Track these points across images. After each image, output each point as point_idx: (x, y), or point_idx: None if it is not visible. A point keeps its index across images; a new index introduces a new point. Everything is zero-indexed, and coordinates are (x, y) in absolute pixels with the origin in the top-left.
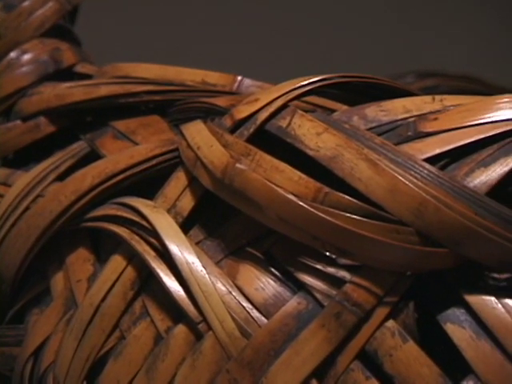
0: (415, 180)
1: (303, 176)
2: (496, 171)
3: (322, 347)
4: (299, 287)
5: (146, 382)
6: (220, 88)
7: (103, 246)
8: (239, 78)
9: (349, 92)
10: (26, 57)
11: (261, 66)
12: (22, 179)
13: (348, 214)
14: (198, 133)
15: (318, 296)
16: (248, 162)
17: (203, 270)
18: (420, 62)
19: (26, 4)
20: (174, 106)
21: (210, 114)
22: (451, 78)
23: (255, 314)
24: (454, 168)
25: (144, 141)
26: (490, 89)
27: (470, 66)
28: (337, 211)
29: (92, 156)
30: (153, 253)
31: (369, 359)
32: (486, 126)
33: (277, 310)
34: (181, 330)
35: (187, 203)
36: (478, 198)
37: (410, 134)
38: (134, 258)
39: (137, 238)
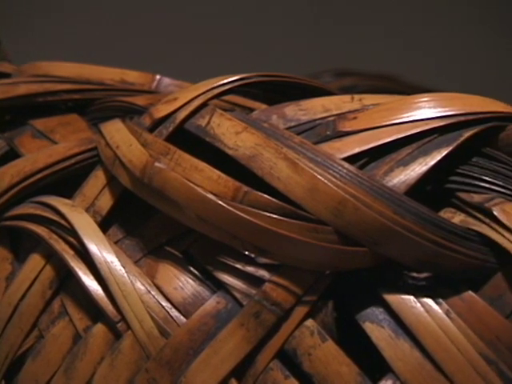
0: (334, 179)
1: (222, 175)
2: (415, 170)
3: (241, 346)
4: (218, 286)
5: (65, 381)
6: (139, 87)
7: (22, 244)
8: (158, 76)
9: (268, 91)
10: None
11: (180, 65)
12: None
13: (267, 213)
14: (116, 132)
15: (237, 295)
16: (167, 161)
17: (122, 269)
18: (337, 60)
19: None
20: (93, 105)
21: (128, 113)
22: (369, 77)
23: (174, 313)
24: (373, 167)
25: (63, 140)
26: (407, 88)
27: (388, 64)
28: (256, 210)
29: (11, 155)
30: (71, 252)
31: (288, 358)
32: (405, 125)
33: (196, 310)
34: (99, 329)
35: (106, 202)
36: (397, 197)
37: (329, 133)
38: (53, 257)
39: (55, 236)
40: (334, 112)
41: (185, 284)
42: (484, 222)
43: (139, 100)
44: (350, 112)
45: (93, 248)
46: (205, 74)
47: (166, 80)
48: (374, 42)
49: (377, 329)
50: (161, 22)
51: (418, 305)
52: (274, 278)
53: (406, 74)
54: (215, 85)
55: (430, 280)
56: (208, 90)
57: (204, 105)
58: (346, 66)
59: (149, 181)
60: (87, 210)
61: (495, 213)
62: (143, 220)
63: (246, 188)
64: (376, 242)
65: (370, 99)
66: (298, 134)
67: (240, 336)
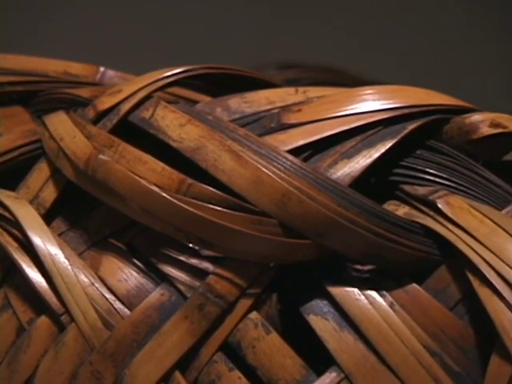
0: (278, 171)
1: (166, 167)
2: (359, 163)
3: (185, 339)
4: (162, 279)
5: (8, 374)
6: (83, 79)
7: None
8: (102, 68)
9: (212, 83)
10: None
11: (125, 57)
12: None
13: (211, 206)
14: (60, 124)
15: (181, 287)
16: (111, 153)
17: (66, 261)
18: (281, 53)
19: None
20: (37, 97)
21: (72, 105)
22: (313, 69)
23: (118, 305)
24: (317, 159)
25: (6, 132)
26: (351, 80)
27: (332, 57)
28: (200, 202)
29: None
30: (15, 244)
31: (232, 351)
32: (349, 117)
33: (140, 302)
34: (43, 321)
35: (50, 194)
36: (341, 190)
37: (273, 125)
38: None
39: None
40: (279, 104)
41: (129, 276)
42: (428, 215)
43: (83, 92)
44: (294, 104)
45: (36, 240)
46: (148, 67)
47: (110, 72)
48: (317, 35)
49: (321, 321)
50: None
51: (362, 297)
52: (218, 271)
53: (350, 67)
54: (159, 77)
55: (374, 272)
56: (152, 82)
57: (148, 97)
58: (290, 58)
59: (93, 173)
60: (31, 202)
61: (439, 205)
62: (87, 212)
63: (190, 180)
64: (320, 235)
65: (314, 91)
66: (243, 126)
67: (184, 328)
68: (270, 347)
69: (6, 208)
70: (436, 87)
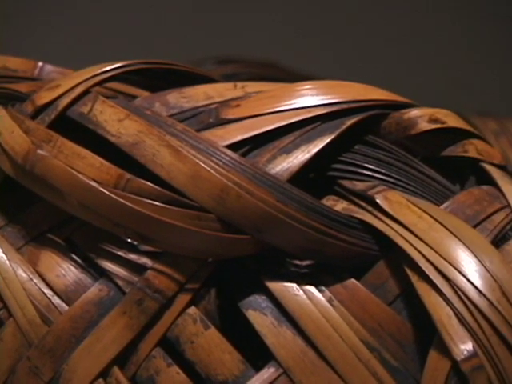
0: (217, 167)
1: (105, 162)
2: (298, 158)
3: (124, 334)
4: (101, 274)
5: None
6: (21, 74)
7: None
8: (40, 63)
9: (150, 78)
10: None
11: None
12: None
13: (150, 201)
14: None
15: (120, 283)
16: (49, 148)
17: (4, 256)
18: (219, 48)
19: None
20: None
21: (11, 100)
22: (251, 64)
23: (56, 300)
24: (256, 155)
25: None
26: (289, 75)
27: (270, 51)
28: (138, 198)
29: None
30: None
31: (171, 346)
32: (288, 112)
33: (78, 297)
34: None
35: None
36: (280, 185)
37: (211, 120)
38: None
39: None
40: (217, 99)
41: (67, 271)
42: (367, 210)
43: (21, 87)
44: (232, 99)
45: None
46: (87, 63)
47: (49, 67)
48: (255, 29)
49: (259, 316)
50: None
51: (301, 292)
52: (157, 266)
53: (288, 62)
54: (98, 72)
55: (313, 268)
56: (90, 77)
57: (86, 92)
58: (229, 53)
59: (31, 168)
60: None
61: (378, 200)
62: (25, 207)
63: (128, 175)
64: (259, 230)
65: (252, 87)
66: (181, 121)
67: (122, 323)
68: (209, 342)
69: None
70: (372, 82)
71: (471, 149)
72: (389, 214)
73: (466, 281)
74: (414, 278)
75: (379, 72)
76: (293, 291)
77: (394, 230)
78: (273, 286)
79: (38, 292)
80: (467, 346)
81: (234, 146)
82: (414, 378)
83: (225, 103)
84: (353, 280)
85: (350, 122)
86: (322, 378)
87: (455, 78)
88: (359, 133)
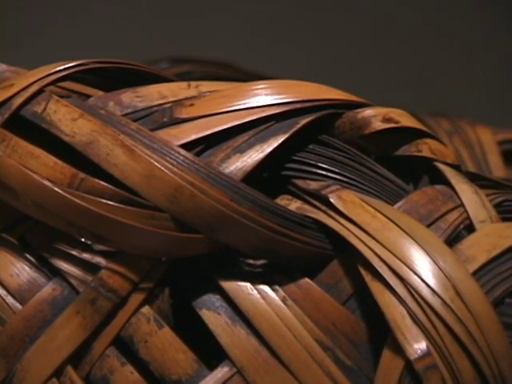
0: (171, 166)
1: (59, 162)
2: (252, 157)
3: (77, 333)
4: (55, 273)
5: None
6: None
7: None
8: None
9: (104, 78)
10: None
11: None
12: None
13: (104, 200)
14: None
15: (74, 282)
16: (3, 147)
17: None
18: (173, 47)
19: None
20: None
21: None
22: (205, 63)
23: (10, 300)
24: (209, 154)
25: None
26: (243, 75)
27: (223, 51)
28: (92, 197)
29: None
30: None
31: (125, 345)
32: (242, 112)
33: (32, 296)
34: None
35: None
36: (234, 184)
37: (165, 120)
38: None
39: None
40: (171, 99)
41: (21, 271)
42: (320, 209)
43: None
44: (186, 99)
45: None
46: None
47: (2, 66)
48: (209, 29)
49: (213, 316)
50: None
51: (255, 292)
52: (111, 265)
53: (242, 61)
54: (52, 71)
55: (267, 267)
56: (44, 77)
57: (40, 91)
58: (182, 52)
59: None
60: None
61: (331, 200)
62: None
63: (82, 175)
64: (212, 229)
65: (206, 86)
66: (135, 120)
67: (76, 323)
68: (163, 342)
69: None
70: (326, 81)
71: (425, 148)
72: (342, 213)
73: (419, 280)
74: (368, 278)
75: (333, 71)
76: (247, 290)
77: (348, 229)
78: (227, 285)
79: None
80: (421, 346)
81: (188, 146)
82: (367, 378)
83: (179, 102)
84: (307, 279)
85: (304, 121)
86: (276, 378)
87: (408, 78)
88: (313, 132)
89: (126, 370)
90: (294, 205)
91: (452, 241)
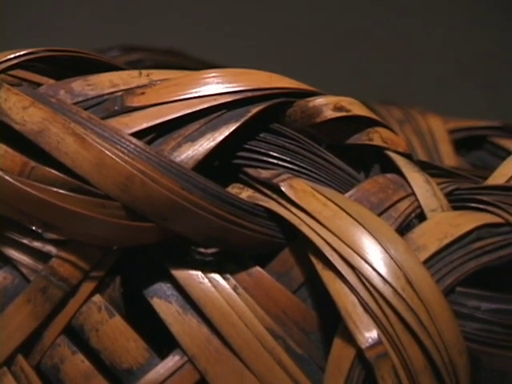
0: (122, 154)
1: (9, 150)
2: (203, 146)
3: (28, 322)
4: (5, 262)
5: None
6: None
7: None
8: None
9: (55, 66)
10: None
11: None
12: None
13: (54, 189)
14: None
15: (24, 271)
16: None
17: None
18: (123, 36)
19: None
20: None
21: None
22: (155, 52)
23: None
24: (161, 142)
25: None
26: (194, 63)
27: (174, 39)
28: (43, 185)
29: None
30: None
31: (76, 334)
32: (193, 100)
33: None
34: None
35: None
36: (185, 173)
37: (116, 108)
38: None
39: None
40: (122, 87)
41: None
42: (272, 198)
43: None
44: (137, 87)
45: None
46: None
47: None
48: (159, 17)
49: (164, 304)
50: None
51: (206, 280)
52: (62, 254)
53: (193, 50)
54: (2, 59)
55: (218, 255)
56: None
57: None
58: (134, 41)
59: None
60: None
61: (283, 188)
62: None
63: (33, 163)
64: (163, 218)
65: (157, 74)
66: (86, 109)
67: (27, 312)
68: (114, 330)
69: None
70: (278, 70)
71: (376, 137)
72: (294, 201)
73: (370, 269)
74: (319, 266)
75: (284, 60)
76: (198, 279)
77: (299, 217)
78: (178, 273)
79: None
80: (372, 334)
81: (139, 134)
82: (318, 366)
83: (130, 91)
84: (258, 268)
85: (255, 109)
86: (227, 366)
87: (360, 66)
88: (264, 121)
89: (76, 359)
90: (245, 193)
91: (403, 229)
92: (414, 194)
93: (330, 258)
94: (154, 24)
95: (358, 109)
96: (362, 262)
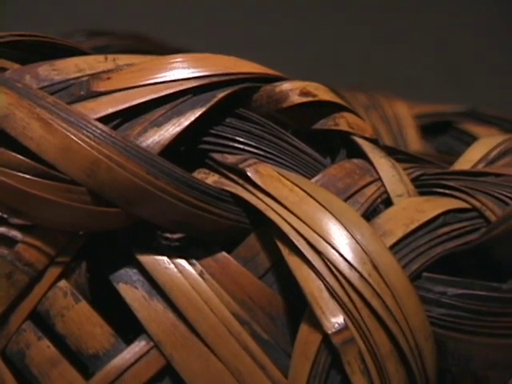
0: (88, 139)
1: None
2: (169, 131)
3: None
4: None
5: None
6: None
7: None
8: None
9: (21, 51)
10: None
11: None
12: None
13: (20, 174)
14: None
15: None
16: None
17: None
18: (90, 20)
19: None
20: None
21: None
22: (121, 36)
23: None
24: (127, 128)
25: None
26: (160, 48)
27: (140, 24)
28: (8, 170)
29: None
30: None
31: (41, 319)
32: (159, 85)
33: None
34: None
35: None
36: (151, 158)
37: (82, 93)
38: None
39: None
40: (88, 72)
41: None
42: (238, 183)
43: None
44: (103, 72)
45: None
46: None
47: None
48: (126, 3)
49: (130, 290)
50: None
51: (172, 266)
52: (27, 239)
53: (158, 35)
54: None
55: (184, 241)
56: None
57: None
58: (99, 25)
59: None
60: None
61: (249, 174)
62: None
63: None
64: (129, 203)
65: (123, 59)
66: (52, 94)
67: None
68: (79, 316)
69: None
70: (243, 55)
71: (342, 122)
72: (260, 187)
73: (337, 254)
74: (285, 252)
75: (249, 45)
76: (164, 264)
77: (265, 203)
78: (144, 259)
79: None
80: (338, 319)
81: (105, 119)
82: (284, 351)
83: (96, 76)
84: (224, 253)
85: (221, 94)
86: (193, 351)
87: (325, 52)
88: (231, 106)
89: (42, 345)
90: (212, 178)
91: (369, 215)
92: (380, 179)
93: (297, 244)
94: (119, 8)
95: (324, 94)
96: (329, 248)
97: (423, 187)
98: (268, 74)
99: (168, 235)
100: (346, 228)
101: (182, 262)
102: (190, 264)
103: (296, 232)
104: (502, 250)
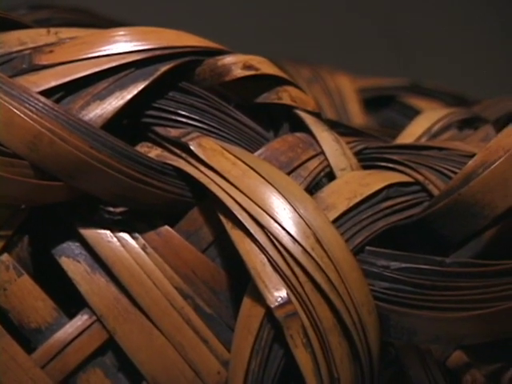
0: (30, 113)
1: None
2: (111, 104)
3: None
4: None
5: None
6: None
7: None
8: None
9: None
10: None
11: None
12: None
13: None
14: None
15: None
16: None
17: None
18: None
19: None
20: None
21: None
22: (64, 10)
23: None
24: (69, 101)
25: None
26: (103, 21)
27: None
28: None
29: None
30: None
31: None
32: (102, 59)
33: None
34: None
35: None
36: (94, 131)
37: (24, 66)
38: None
39: None
40: (30, 45)
41: None
42: (181, 157)
43: None
44: (46, 45)
45: None
46: None
47: None
48: None
49: (73, 263)
50: None
51: (115, 239)
52: None
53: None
54: None
55: (127, 215)
56: None
57: None
58: None
59: None
60: None
61: (192, 147)
62: None
63: None
64: (72, 176)
65: (66, 33)
66: None
67: None
68: (22, 290)
69: None
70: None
71: (285, 96)
72: (203, 160)
73: (280, 228)
74: (228, 225)
75: (192, 19)
76: (106, 238)
77: (208, 176)
78: (86, 232)
79: None
80: (281, 293)
81: (47, 92)
82: (227, 325)
83: (38, 49)
84: (167, 227)
85: (164, 68)
86: (136, 325)
87: (269, 24)
88: (173, 79)
89: None
90: (154, 152)
91: (312, 189)
92: (323, 152)
93: (239, 217)
94: None
95: (267, 67)
96: (271, 221)
97: (366, 161)
98: (211, 48)
99: (111, 209)
100: (288, 202)
101: (125, 235)
102: (133, 238)
103: (239, 206)
104: (444, 224)
